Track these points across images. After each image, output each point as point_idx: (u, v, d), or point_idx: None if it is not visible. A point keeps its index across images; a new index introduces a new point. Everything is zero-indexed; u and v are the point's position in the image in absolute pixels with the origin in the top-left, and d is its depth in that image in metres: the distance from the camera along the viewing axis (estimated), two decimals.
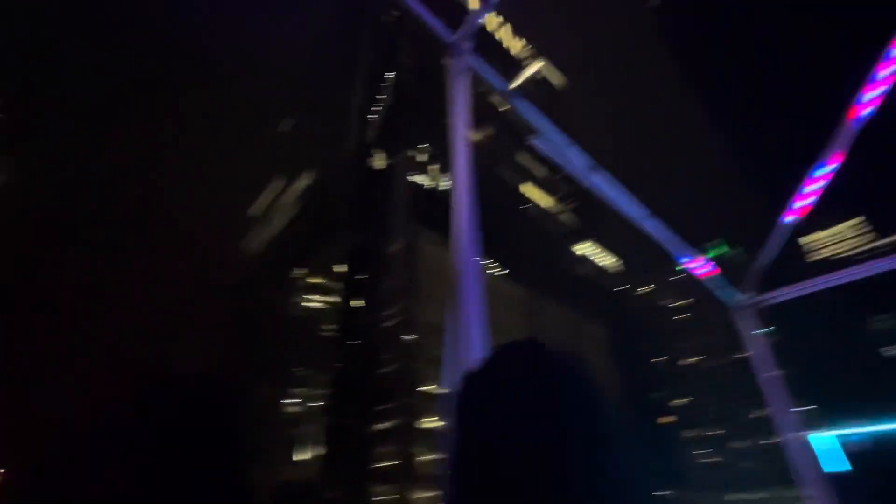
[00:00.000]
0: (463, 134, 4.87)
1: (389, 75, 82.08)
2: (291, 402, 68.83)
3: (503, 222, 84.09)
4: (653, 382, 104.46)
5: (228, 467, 1.42)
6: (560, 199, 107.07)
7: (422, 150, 76.47)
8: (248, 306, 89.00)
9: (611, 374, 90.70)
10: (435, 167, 76.04)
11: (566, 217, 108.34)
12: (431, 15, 6.04)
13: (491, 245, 75.42)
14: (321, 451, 58.25)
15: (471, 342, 3.33)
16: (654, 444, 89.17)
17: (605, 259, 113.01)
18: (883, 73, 8.44)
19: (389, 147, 75.68)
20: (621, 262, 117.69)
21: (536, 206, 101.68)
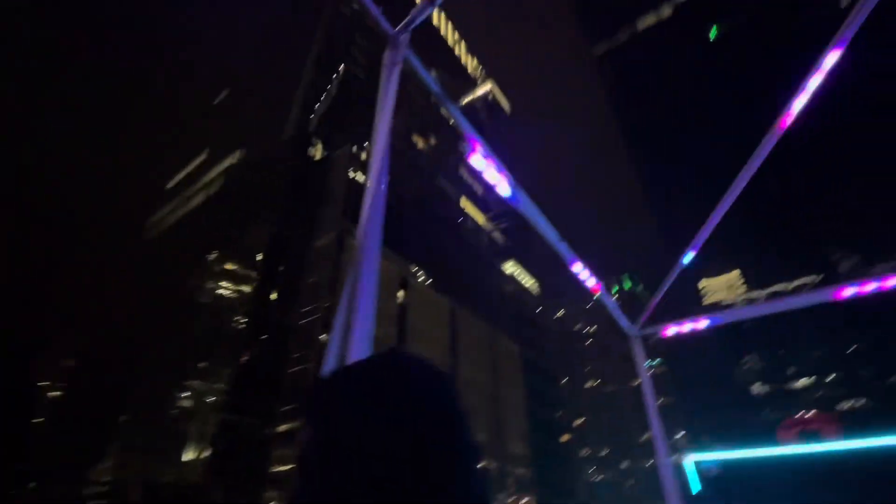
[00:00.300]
0: (384, 127, 4.80)
1: (339, 67, 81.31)
2: (185, 396, 63.43)
3: (440, 233, 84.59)
4: (556, 401, 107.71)
5: None
6: (491, 218, 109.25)
7: (365, 148, 75.45)
8: (150, 288, 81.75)
9: (518, 390, 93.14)
10: None
11: (497, 235, 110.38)
12: (374, 5, 6.00)
13: (426, 253, 76.42)
14: (212, 451, 53.95)
15: (355, 338, 3.27)
16: (552, 459, 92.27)
17: (527, 280, 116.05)
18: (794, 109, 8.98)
19: (330, 139, 74.45)
20: (539, 284, 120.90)
21: (473, 221, 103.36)
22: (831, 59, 8.26)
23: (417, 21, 6.05)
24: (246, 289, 66.71)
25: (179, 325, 70.31)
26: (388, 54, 5.83)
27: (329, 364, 3.41)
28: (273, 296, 62.53)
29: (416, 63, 6.29)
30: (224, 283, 71.13)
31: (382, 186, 4.09)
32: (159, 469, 56.30)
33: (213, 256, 73.98)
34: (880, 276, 10.71)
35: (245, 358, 57.68)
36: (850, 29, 8.00)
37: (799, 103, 8.69)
